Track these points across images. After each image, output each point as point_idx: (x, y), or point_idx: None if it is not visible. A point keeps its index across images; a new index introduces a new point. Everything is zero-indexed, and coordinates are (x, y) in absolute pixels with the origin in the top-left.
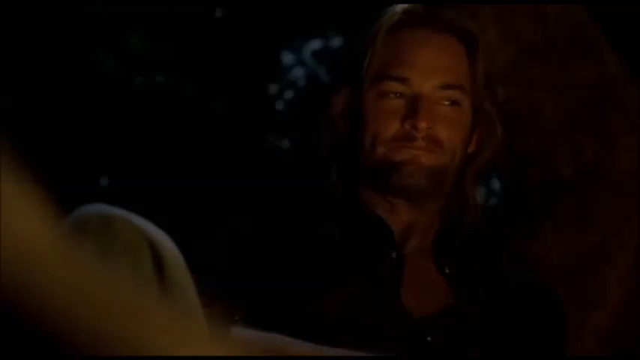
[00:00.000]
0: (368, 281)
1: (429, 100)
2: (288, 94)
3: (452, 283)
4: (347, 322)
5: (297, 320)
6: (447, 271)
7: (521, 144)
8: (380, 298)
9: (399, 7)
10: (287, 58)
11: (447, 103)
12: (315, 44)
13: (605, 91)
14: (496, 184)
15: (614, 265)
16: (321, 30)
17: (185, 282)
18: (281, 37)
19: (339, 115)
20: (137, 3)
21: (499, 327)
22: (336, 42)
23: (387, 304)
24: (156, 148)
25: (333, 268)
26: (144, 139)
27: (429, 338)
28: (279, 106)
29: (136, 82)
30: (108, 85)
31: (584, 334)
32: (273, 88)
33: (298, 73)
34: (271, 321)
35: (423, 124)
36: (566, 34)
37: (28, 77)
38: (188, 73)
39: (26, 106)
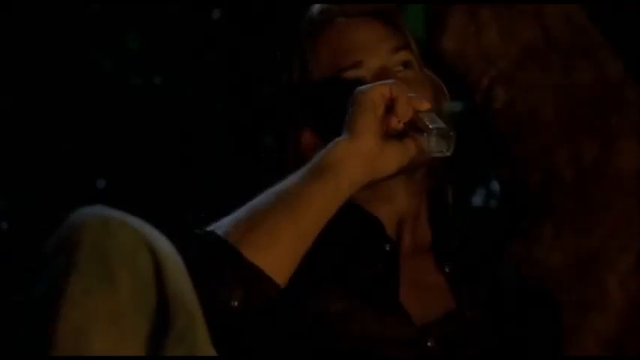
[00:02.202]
0: (365, 279)
1: (390, 71)
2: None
3: (452, 285)
4: (345, 322)
5: (295, 323)
6: (447, 270)
7: (521, 145)
8: (378, 297)
9: (312, 11)
10: None
11: (401, 68)
12: None
13: (605, 92)
14: (495, 186)
15: (615, 268)
16: None
17: (184, 285)
18: (280, 38)
19: (311, 150)
20: (135, 3)
21: (499, 331)
22: None
23: (386, 304)
24: (154, 149)
25: (330, 267)
26: (142, 140)
27: (429, 344)
28: None
29: (133, 83)
30: (105, 86)
31: (585, 337)
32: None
33: None
34: (270, 322)
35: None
36: (567, 35)
37: (24, 79)
38: (186, 74)
39: (22, 108)
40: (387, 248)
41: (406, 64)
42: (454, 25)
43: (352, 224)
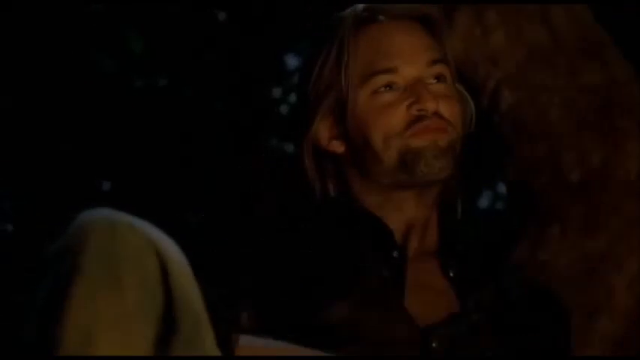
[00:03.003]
0: (371, 284)
1: (423, 82)
2: (292, 97)
3: (457, 288)
4: (351, 327)
5: (301, 327)
6: (451, 274)
7: (528, 147)
8: (384, 302)
9: (357, 8)
10: (291, 61)
11: (434, 81)
12: None
13: (612, 94)
14: (502, 188)
15: (622, 270)
16: None
17: (191, 288)
18: (284, 40)
19: (327, 142)
20: (137, 5)
21: (504, 334)
22: None
23: (391, 308)
24: (157, 150)
25: (336, 273)
26: (146, 142)
27: (434, 344)
28: (283, 109)
29: (136, 85)
30: (109, 88)
31: (592, 340)
32: (276, 92)
33: None
34: (275, 329)
35: (431, 104)
36: (574, 37)
37: (27, 80)
38: (190, 77)
39: (27, 110)
40: (395, 255)
41: (439, 78)
42: (460, 27)
43: (362, 230)
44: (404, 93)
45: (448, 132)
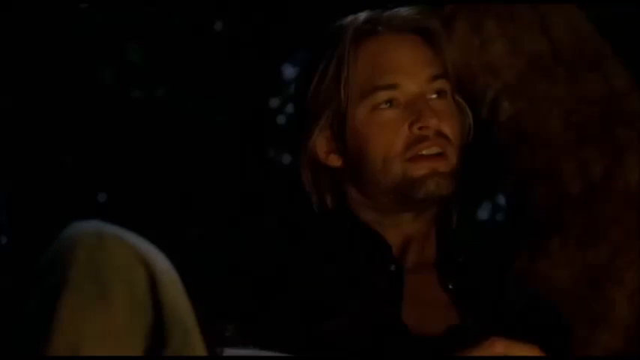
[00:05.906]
0: (368, 298)
1: (424, 98)
2: (290, 108)
3: (456, 301)
4: (348, 341)
5: (297, 341)
6: (450, 287)
7: (527, 158)
8: (381, 315)
9: (357, 19)
10: (288, 71)
11: (434, 96)
12: None
13: (612, 104)
14: (502, 200)
15: (622, 282)
16: None
17: (181, 303)
18: (282, 50)
19: (325, 156)
20: (137, 15)
21: None
22: None
23: (388, 321)
24: (155, 162)
25: (333, 286)
26: (143, 153)
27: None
28: (281, 120)
29: (135, 96)
30: (107, 99)
31: (592, 352)
32: (274, 102)
33: None
34: (271, 342)
35: (433, 121)
36: (573, 47)
37: (25, 90)
38: (188, 87)
39: (23, 120)
40: (392, 269)
41: (440, 93)
42: (459, 37)
43: (360, 243)
44: (405, 110)
45: (447, 156)
